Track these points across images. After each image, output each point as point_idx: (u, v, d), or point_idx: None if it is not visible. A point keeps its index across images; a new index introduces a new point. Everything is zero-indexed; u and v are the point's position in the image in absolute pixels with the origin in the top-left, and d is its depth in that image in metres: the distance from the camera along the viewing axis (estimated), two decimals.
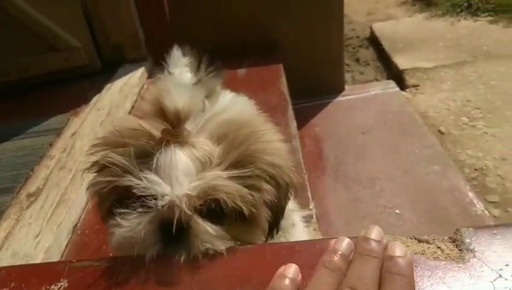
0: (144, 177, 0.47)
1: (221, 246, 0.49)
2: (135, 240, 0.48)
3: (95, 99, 1.65)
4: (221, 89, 0.95)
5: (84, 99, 1.65)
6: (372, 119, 2.00)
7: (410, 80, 2.46)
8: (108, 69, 1.86)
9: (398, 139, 1.86)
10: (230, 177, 0.49)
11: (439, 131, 1.96)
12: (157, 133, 0.50)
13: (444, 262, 0.41)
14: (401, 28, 3.23)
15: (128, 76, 1.78)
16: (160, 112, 0.51)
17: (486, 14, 3.13)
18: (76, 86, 1.80)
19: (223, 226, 0.50)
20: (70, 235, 1.09)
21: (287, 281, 0.44)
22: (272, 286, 0.44)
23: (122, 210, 0.49)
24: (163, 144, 0.48)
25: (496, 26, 2.97)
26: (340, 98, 2.21)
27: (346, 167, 1.76)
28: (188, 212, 0.47)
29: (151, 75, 1.88)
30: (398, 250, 0.43)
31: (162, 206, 0.47)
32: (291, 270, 0.45)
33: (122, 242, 0.49)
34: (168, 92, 0.52)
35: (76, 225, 1.12)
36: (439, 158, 1.72)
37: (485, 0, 3.20)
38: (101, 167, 0.52)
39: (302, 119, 2.05)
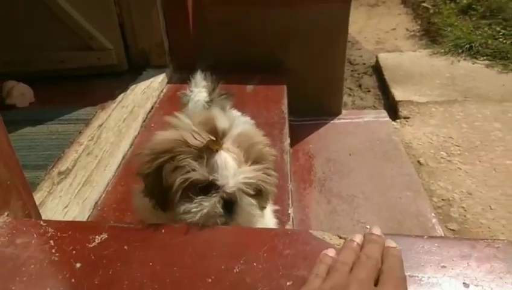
0: (220, 173, 0.71)
1: (258, 214, 0.77)
2: (212, 213, 0.72)
3: (120, 97, 1.87)
4: (230, 109, 1.19)
5: (110, 95, 1.87)
6: (360, 143, 2.21)
7: (403, 111, 2.68)
8: (134, 71, 2.10)
9: (381, 164, 2.07)
10: (257, 169, 0.76)
11: (418, 161, 2.17)
12: (193, 143, 0.73)
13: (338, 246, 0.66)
14: (404, 61, 3.44)
15: (151, 80, 2.01)
16: (211, 129, 0.75)
17: (485, 58, 3.33)
18: (104, 83, 2.02)
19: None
20: (92, 210, 1.31)
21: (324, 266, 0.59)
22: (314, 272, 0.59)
23: (202, 197, 0.72)
24: (214, 149, 0.72)
25: (491, 71, 3.16)
26: (335, 121, 2.43)
27: (331, 183, 1.97)
28: (246, 190, 0.74)
29: (170, 80, 2.12)
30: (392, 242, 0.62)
31: (230, 191, 0.72)
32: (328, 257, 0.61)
33: (204, 216, 0.72)
34: (218, 118, 0.78)
35: (97, 202, 1.34)
36: (413, 185, 1.93)
37: (485, 45, 3.41)
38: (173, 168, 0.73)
39: (299, 136, 2.27)
